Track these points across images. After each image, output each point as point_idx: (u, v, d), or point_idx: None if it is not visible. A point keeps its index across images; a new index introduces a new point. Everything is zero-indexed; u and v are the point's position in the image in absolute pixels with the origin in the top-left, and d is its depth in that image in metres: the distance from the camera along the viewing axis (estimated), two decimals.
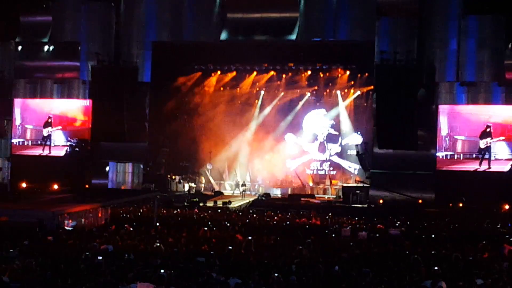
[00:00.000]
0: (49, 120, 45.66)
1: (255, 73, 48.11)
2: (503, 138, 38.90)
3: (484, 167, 39.04)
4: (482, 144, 38.86)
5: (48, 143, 45.58)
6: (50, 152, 45.40)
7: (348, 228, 26.97)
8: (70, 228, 23.74)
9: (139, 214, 31.69)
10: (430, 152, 39.49)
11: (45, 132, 45.71)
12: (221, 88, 50.07)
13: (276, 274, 14.94)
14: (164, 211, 32.78)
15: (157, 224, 26.17)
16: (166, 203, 37.41)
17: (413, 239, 23.81)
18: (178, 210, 34.98)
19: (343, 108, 48.78)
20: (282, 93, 49.70)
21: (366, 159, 43.73)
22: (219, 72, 48.64)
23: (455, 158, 39.70)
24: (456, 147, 39.78)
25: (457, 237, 24.78)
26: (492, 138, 38.75)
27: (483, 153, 38.92)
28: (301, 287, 14.41)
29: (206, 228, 24.59)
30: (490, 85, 39.10)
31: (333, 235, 25.05)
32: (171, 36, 43.81)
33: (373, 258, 18.82)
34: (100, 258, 16.50)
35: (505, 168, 38.73)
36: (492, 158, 38.91)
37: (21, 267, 15.16)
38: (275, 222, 29.72)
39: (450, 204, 37.06)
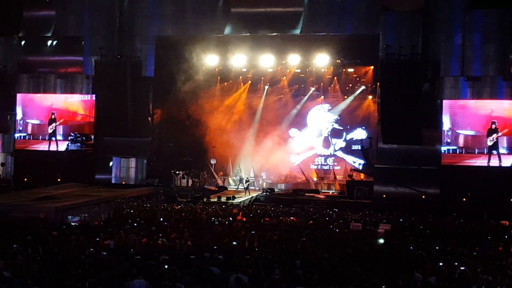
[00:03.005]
0: (53, 117, 45.63)
1: (259, 68, 47.97)
2: (507, 130, 38.63)
3: (494, 163, 38.73)
4: (490, 141, 38.64)
5: (54, 138, 45.52)
6: (57, 148, 45.33)
7: (356, 222, 26.88)
8: (74, 224, 23.68)
9: (142, 209, 31.62)
10: (435, 147, 39.30)
11: (50, 129, 45.65)
12: (225, 83, 50.03)
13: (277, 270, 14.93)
14: (168, 206, 32.70)
15: (161, 219, 26.10)
16: (169, 198, 37.39)
17: (417, 234, 23.71)
18: (182, 205, 34.94)
19: (348, 103, 48.77)
20: (287, 88, 49.63)
21: (371, 154, 43.66)
22: (222, 67, 48.52)
23: (457, 152, 39.53)
24: (458, 142, 39.60)
25: (461, 232, 24.71)
26: (498, 133, 38.52)
27: (490, 150, 38.67)
28: (306, 282, 14.32)
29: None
30: (495, 79, 38.87)
31: (337, 230, 24.94)
32: (175, 30, 43.71)
33: (378, 253, 18.72)
34: (104, 253, 16.46)
35: (508, 163, 38.53)
36: (494, 152, 38.70)
37: (24, 262, 15.12)
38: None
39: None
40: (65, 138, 45.15)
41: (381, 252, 19.15)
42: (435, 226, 26.73)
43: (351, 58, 45.65)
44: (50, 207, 22.93)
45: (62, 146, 45.19)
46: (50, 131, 45.70)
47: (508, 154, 38.65)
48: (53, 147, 45.49)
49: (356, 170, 46.02)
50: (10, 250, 16.34)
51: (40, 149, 45.71)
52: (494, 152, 38.66)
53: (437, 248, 20.02)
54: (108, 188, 30.01)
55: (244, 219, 27.14)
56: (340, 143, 49.42)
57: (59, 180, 40.98)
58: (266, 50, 45.23)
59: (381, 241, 21.78)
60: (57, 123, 45.56)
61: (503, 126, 38.74)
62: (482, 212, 32.14)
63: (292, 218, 28.90)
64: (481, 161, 39.02)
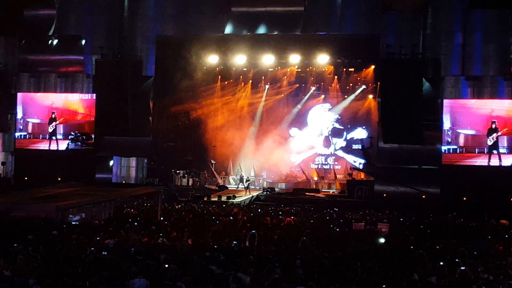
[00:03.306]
0: (53, 116, 45.58)
1: (259, 67, 47.97)
2: (507, 129, 38.59)
3: (494, 163, 38.67)
4: (490, 141, 38.60)
5: (54, 137, 45.47)
6: (58, 147, 45.28)
7: (358, 222, 26.89)
8: (75, 223, 23.69)
9: (143, 208, 31.61)
10: (435, 146, 39.27)
11: (50, 128, 45.61)
12: (226, 82, 50.03)
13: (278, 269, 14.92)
14: (168, 206, 32.70)
15: (161, 218, 26.10)
16: (170, 197, 37.37)
17: (418, 233, 23.71)
18: (182, 204, 34.93)
19: (348, 102, 48.76)
20: (287, 87, 49.64)
21: (371, 154, 43.65)
22: (223, 67, 48.52)
23: (458, 152, 39.50)
24: (459, 141, 39.56)
25: (462, 232, 24.70)
26: (498, 133, 38.49)
27: (490, 149, 38.62)
28: (306, 281, 14.32)
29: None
30: (496, 79, 38.82)
31: (337, 229, 24.95)
32: (176, 30, 43.68)
33: (379, 253, 18.72)
34: (104, 252, 16.46)
35: (508, 162, 38.49)
36: (495, 152, 38.66)
37: (25, 261, 15.11)
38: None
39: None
40: (65, 137, 45.03)
41: (381, 251, 19.16)
42: (436, 226, 26.74)
43: (352, 57, 45.62)
44: (50, 206, 22.95)
45: (63, 145, 45.08)
46: (50, 130, 45.62)
47: (508, 153, 38.58)
48: (53, 146, 45.41)
49: (355, 168, 46.07)
50: (11, 249, 16.35)
51: (41, 148, 45.61)
52: (494, 151, 38.62)
53: (437, 247, 20.03)
54: (108, 187, 30.06)
55: (245, 218, 27.18)
56: (340, 142, 49.41)
57: (59, 179, 40.97)
58: (266, 50, 45.23)
59: (382, 240, 21.78)
60: (58, 122, 45.49)
61: (503, 125, 38.68)
62: (483, 211, 32.10)
63: (292, 217, 28.90)
64: (482, 161, 38.94)
